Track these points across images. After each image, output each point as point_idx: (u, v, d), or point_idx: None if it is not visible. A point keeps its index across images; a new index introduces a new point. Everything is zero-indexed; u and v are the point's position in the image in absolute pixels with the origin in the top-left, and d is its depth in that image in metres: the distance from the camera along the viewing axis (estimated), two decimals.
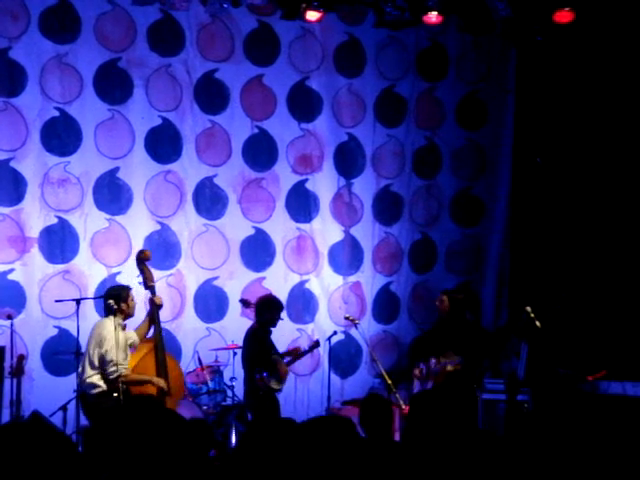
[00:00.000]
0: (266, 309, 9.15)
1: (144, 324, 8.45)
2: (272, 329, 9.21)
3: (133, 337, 8.32)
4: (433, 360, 9.50)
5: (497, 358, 10.03)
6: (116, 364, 7.90)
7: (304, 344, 10.13)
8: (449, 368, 9.11)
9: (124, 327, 8.22)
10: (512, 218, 11.40)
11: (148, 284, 8.53)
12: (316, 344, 9.72)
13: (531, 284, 10.79)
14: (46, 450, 3.72)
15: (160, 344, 8.40)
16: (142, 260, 8.61)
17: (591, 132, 10.61)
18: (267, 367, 8.92)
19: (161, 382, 8.17)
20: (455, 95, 11.29)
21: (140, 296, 9.03)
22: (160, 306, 8.56)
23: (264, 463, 3.39)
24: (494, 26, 10.88)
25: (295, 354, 9.52)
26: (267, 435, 3.45)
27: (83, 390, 8.07)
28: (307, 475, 3.37)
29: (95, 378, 7.99)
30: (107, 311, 8.16)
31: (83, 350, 8.38)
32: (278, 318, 9.21)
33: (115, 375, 7.88)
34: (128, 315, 8.25)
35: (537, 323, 8.89)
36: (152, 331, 8.49)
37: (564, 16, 10.14)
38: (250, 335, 9.13)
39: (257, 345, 9.02)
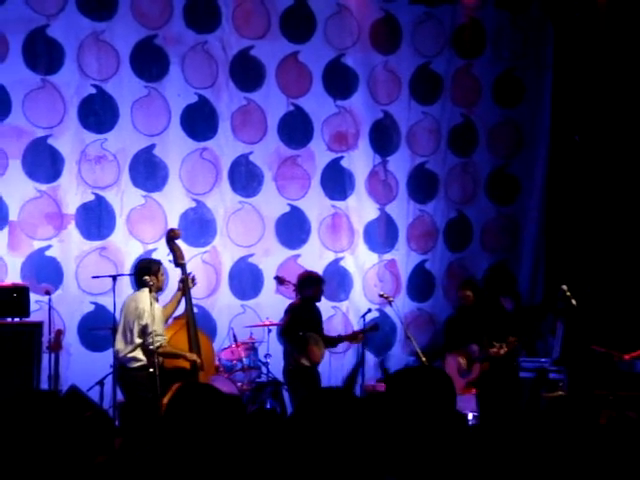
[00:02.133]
0: (307, 285, 9.20)
1: (171, 304, 8.46)
2: (317, 304, 9.26)
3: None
4: (474, 347, 9.51)
5: (532, 336, 10.00)
6: (158, 334, 7.94)
7: (342, 325, 10.21)
8: (502, 352, 9.18)
9: (157, 299, 8.24)
10: (548, 196, 11.32)
11: (178, 262, 8.55)
12: (375, 327, 9.73)
13: (567, 262, 10.72)
14: (84, 424, 3.77)
15: (192, 321, 8.43)
16: (172, 238, 8.63)
17: (630, 109, 10.49)
18: (297, 343, 8.95)
19: (194, 357, 8.20)
20: (492, 72, 11.20)
21: (175, 272, 9.11)
22: (194, 284, 8.58)
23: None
24: (532, 2, 10.78)
25: (354, 337, 9.59)
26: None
27: (122, 363, 8.12)
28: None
29: (137, 352, 8.03)
30: (139, 284, 8.19)
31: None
32: (320, 293, 9.27)
33: (157, 345, 7.90)
34: (158, 289, 8.28)
35: (573, 301, 8.84)
36: (183, 308, 8.51)
37: None
38: (288, 310, 9.19)
39: (291, 320, 9.06)
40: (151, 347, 7.87)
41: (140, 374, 7.94)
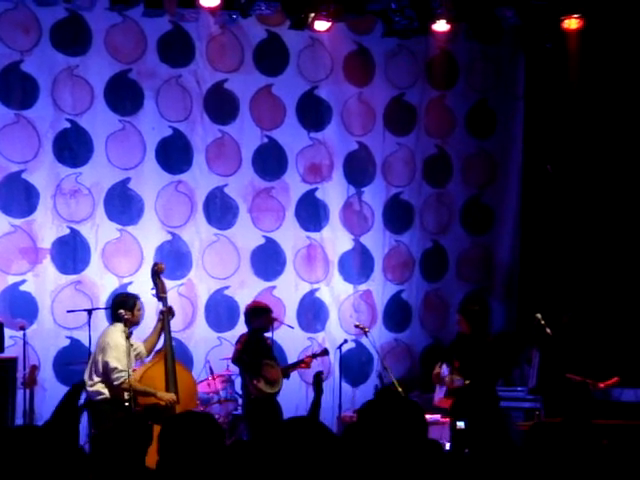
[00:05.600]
0: (254, 316, 9.19)
1: (152, 336, 8.41)
2: (267, 334, 9.23)
3: (140, 348, 8.28)
4: (444, 367, 9.48)
5: (508, 365, 9.99)
6: (120, 371, 7.89)
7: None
8: (456, 385, 9.08)
9: (129, 335, 8.16)
10: (522, 226, 11.39)
11: (160, 296, 8.53)
12: (324, 352, 9.71)
13: (541, 291, 10.77)
14: (58, 460, 3.75)
15: (170, 353, 8.37)
16: (156, 273, 8.61)
17: (601, 139, 10.60)
18: (251, 369, 8.93)
19: (166, 396, 8.00)
20: (465, 103, 11.30)
21: (152, 305, 9.10)
22: (172, 315, 8.55)
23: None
24: (503, 34, 10.90)
25: (303, 363, 9.54)
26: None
27: (89, 396, 8.11)
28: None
29: (99, 386, 8.01)
30: (114, 318, 8.17)
31: None
32: (269, 322, 9.22)
33: (119, 382, 7.88)
34: (133, 323, 8.22)
35: (548, 330, 8.88)
36: (162, 342, 8.47)
37: (573, 23, 10.14)
38: (238, 341, 9.20)
39: (241, 351, 9.07)
40: (115, 383, 7.85)
41: (104, 407, 7.91)
